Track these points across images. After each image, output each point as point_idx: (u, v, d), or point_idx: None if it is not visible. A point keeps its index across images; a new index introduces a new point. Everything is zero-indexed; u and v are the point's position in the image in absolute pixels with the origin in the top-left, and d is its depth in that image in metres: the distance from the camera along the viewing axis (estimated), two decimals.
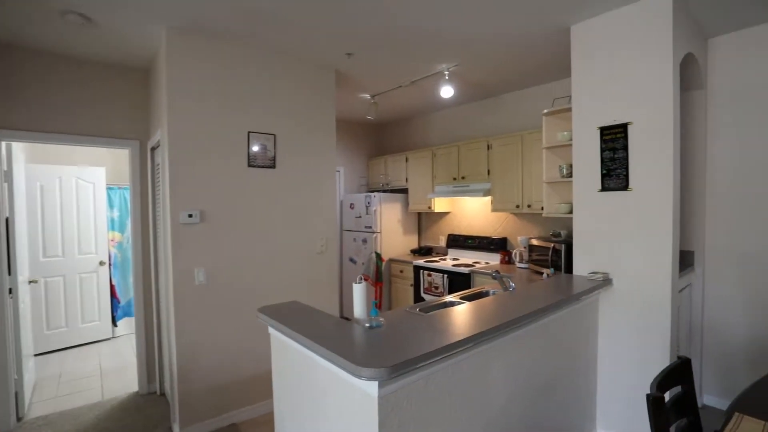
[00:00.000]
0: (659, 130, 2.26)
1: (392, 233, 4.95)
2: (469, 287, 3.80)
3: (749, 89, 2.71)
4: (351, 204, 5.23)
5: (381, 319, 1.64)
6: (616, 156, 2.42)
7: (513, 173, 3.79)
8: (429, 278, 4.17)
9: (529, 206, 3.65)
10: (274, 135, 3.03)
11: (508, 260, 4.08)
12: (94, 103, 3.04)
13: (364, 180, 5.70)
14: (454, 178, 4.36)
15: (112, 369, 3.89)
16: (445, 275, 3.99)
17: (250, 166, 2.91)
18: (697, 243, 2.88)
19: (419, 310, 2.36)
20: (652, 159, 2.30)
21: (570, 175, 2.89)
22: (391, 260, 4.87)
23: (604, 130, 2.46)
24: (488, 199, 4.37)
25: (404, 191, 5.12)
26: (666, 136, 2.25)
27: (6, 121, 2.71)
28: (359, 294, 1.73)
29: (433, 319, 1.72)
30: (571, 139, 2.79)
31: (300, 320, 1.73)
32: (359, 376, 1.19)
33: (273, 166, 3.04)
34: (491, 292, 2.88)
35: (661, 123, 2.26)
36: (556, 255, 3.19)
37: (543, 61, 3.26)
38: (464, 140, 4.32)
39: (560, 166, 2.97)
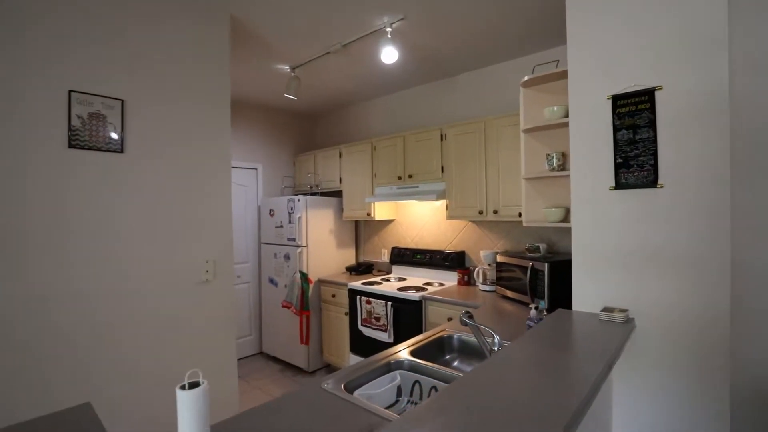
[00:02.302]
0: (706, 97, 1.50)
1: (322, 247, 3.94)
2: (421, 319, 2.90)
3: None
4: (270, 210, 4.14)
5: None
6: (637, 137, 1.63)
7: (474, 170, 2.96)
8: (368, 306, 3.22)
9: (495, 212, 2.83)
10: (123, 101, 1.92)
11: (467, 280, 3.24)
12: None
13: (289, 180, 4.64)
14: (399, 177, 3.46)
15: None
16: (389, 303, 3.05)
17: (72, 146, 1.78)
18: None
19: (345, 387, 1.39)
20: (694, 140, 1.53)
21: (564, 167, 2.10)
22: (321, 281, 3.85)
23: (619, 101, 1.67)
24: (442, 203, 3.52)
25: (339, 194, 4.14)
26: (717, 106, 1.49)
27: None
28: (189, 413, 0.73)
29: None
30: (565, 116, 2.00)
31: None
32: None
33: (119, 150, 1.92)
34: (455, 338, 1.98)
35: (708, 86, 1.50)
36: (535, 277, 2.38)
37: (517, 18, 2.46)
38: (412, 129, 3.45)
39: (548, 156, 2.16)
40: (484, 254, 3.04)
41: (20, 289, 1.63)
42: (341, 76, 3.46)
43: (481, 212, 2.92)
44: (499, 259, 2.80)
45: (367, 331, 3.23)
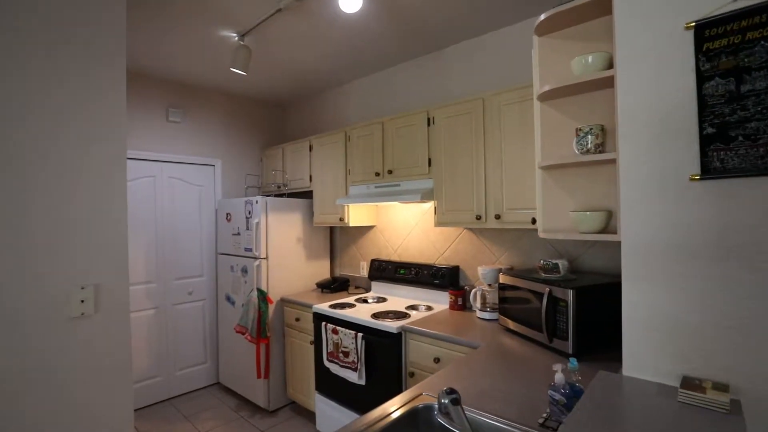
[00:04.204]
0: None
1: (287, 258, 3.25)
2: (400, 356, 2.21)
3: None
4: (227, 214, 3.46)
5: None
6: (745, 90, 0.95)
7: (469, 162, 2.28)
8: (334, 336, 2.52)
9: (497, 217, 2.15)
10: None
11: (461, 304, 2.55)
12: None
13: (254, 179, 3.96)
14: (377, 174, 2.78)
15: None
16: (360, 334, 2.36)
17: None
18: None
19: None
20: None
21: (604, 147, 1.41)
22: (284, 301, 3.16)
23: (709, 30, 1.00)
24: (430, 206, 2.85)
25: (310, 195, 3.46)
26: None
27: None
28: None
29: None
30: (606, 68, 1.33)
31: None
32: None
33: None
34: (435, 408, 1.29)
35: None
36: (554, 308, 1.69)
37: None
38: (392, 114, 2.77)
39: (578, 132, 1.46)
40: (483, 271, 2.35)
41: None
42: (306, 50, 2.79)
43: (479, 217, 2.24)
44: (502, 279, 2.11)
45: (334, 368, 2.53)
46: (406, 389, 2.19)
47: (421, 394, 1.35)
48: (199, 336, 3.60)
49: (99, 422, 1.57)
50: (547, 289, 1.73)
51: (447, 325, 2.20)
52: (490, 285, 2.36)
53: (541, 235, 1.59)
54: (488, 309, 2.32)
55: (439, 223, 2.44)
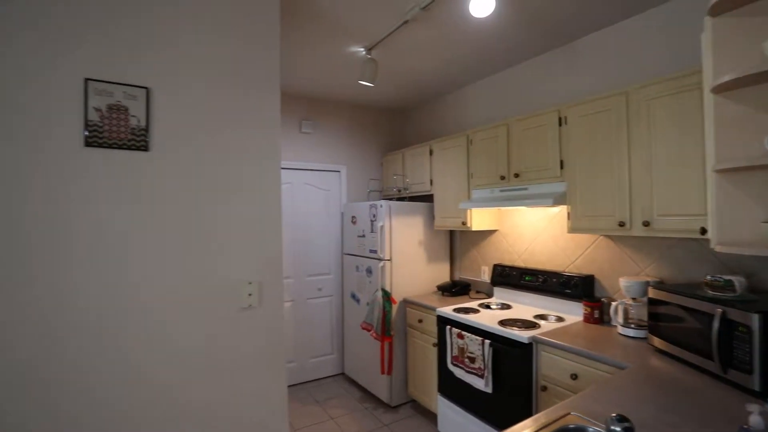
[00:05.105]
0: None
1: (409, 261, 3.35)
2: (530, 368, 2.12)
3: None
4: (353, 217, 3.71)
5: None
6: None
7: (609, 163, 2.08)
8: (459, 341, 2.52)
9: (646, 224, 1.92)
10: (148, 89, 1.60)
11: (597, 317, 2.34)
12: None
13: (376, 183, 4.17)
14: (502, 177, 2.70)
15: None
16: (487, 341, 2.32)
17: (89, 144, 1.49)
18: None
19: None
20: None
21: None
22: (406, 302, 3.26)
23: None
24: (561, 210, 2.67)
25: (430, 199, 3.53)
26: None
27: None
28: None
29: None
30: None
31: None
32: None
33: (144, 147, 1.59)
34: None
35: None
36: (729, 333, 1.45)
37: None
38: (518, 115, 2.66)
39: None
40: (626, 284, 2.13)
41: (17, 314, 1.37)
42: (428, 57, 2.84)
43: (622, 224, 2.02)
44: (653, 293, 1.88)
45: (458, 373, 2.54)
46: (536, 403, 2.10)
47: (568, 414, 1.28)
48: (327, 329, 3.92)
49: (264, 394, 1.82)
50: (719, 310, 1.49)
51: (583, 339, 2.04)
52: (634, 299, 2.12)
53: (717, 248, 1.37)
54: (633, 325, 2.09)
55: (573, 230, 2.27)
